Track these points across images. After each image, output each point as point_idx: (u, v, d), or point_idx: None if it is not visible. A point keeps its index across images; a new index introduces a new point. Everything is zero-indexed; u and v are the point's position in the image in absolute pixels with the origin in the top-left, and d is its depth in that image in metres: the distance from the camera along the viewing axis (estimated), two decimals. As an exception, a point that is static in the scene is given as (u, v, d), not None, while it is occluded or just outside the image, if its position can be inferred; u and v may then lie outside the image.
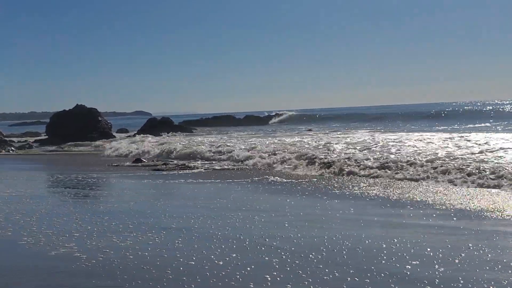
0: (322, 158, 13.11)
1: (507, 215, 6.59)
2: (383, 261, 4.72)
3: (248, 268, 4.61)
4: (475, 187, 9.03)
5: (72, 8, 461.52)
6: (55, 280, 4.46)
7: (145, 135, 27.13)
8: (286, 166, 13.22)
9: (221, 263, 4.80)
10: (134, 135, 32.55)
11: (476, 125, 30.67)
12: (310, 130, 32.45)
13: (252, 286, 4.20)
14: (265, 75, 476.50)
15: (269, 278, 4.34)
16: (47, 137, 31.23)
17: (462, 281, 4.14)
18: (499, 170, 9.57)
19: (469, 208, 7.17)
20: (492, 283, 4.08)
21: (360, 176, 11.10)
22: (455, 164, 10.62)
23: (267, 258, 4.91)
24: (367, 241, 5.42)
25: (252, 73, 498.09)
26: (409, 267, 4.54)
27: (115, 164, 16.04)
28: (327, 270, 4.51)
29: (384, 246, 5.20)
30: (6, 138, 28.42)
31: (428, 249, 5.02)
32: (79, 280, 4.45)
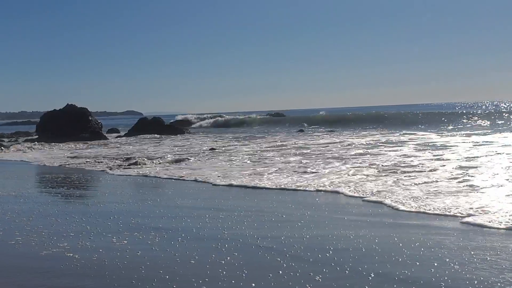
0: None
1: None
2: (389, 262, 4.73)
3: (247, 268, 4.62)
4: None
5: (63, 8, 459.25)
6: (45, 280, 4.48)
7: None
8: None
9: (223, 262, 4.82)
10: (125, 135, 32.50)
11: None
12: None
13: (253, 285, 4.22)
14: (264, 74, 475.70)
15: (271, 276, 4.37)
16: (37, 136, 31.09)
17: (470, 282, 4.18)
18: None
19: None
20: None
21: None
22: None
23: (268, 258, 4.92)
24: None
25: (249, 73, 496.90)
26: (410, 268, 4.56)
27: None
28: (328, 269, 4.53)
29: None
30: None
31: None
32: (68, 280, 4.47)
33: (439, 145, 16.45)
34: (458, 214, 6.43)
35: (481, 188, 8.11)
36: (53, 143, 26.33)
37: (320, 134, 27.16)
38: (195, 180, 10.79)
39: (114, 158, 16.61)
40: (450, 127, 29.89)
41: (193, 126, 45.78)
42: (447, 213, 6.56)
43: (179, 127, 35.79)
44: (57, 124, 29.41)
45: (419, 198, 7.54)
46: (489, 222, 5.98)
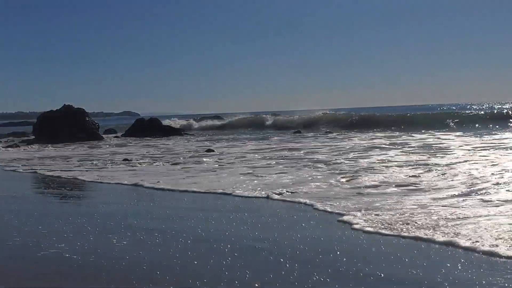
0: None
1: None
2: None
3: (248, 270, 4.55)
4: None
5: (59, 7, 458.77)
6: (39, 282, 4.42)
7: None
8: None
9: (224, 262, 4.75)
10: (121, 136, 32.34)
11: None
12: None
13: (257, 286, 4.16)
14: (263, 74, 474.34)
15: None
16: (34, 137, 30.94)
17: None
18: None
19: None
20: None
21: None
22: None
23: (271, 258, 4.87)
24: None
25: (249, 73, 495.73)
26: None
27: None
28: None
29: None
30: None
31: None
32: (64, 281, 4.41)
33: (438, 147, 16.27)
34: (338, 212, 6.66)
35: (407, 192, 8.04)
36: (49, 144, 26.23)
37: (319, 136, 26.59)
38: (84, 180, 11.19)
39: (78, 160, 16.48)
40: (465, 128, 28.62)
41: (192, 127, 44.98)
42: (329, 210, 6.86)
43: (177, 128, 35.48)
44: (53, 124, 29.28)
45: (335, 198, 7.66)
46: (361, 221, 6.06)
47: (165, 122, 39.77)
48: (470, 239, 5.14)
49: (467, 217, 6.06)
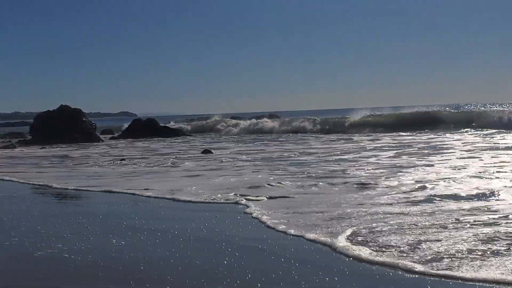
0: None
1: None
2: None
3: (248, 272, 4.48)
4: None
5: (56, 7, 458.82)
6: (36, 282, 4.38)
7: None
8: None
9: (225, 262, 4.69)
10: (118, 137, 32.16)
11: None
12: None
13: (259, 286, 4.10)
14: (261, 74, 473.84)
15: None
16: (31, 137, 30.84)
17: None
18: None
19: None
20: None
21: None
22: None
23: (273, 257, 4.83)
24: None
25: (247, 73, 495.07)
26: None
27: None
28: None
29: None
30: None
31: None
32: (60, 282, 4.37)
33: (437, 148, 15.88)
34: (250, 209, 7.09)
35: (345, 191, 8.19)
36: (45, 145, 26.13)
37: (318, 138, 25.73)
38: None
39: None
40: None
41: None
42: (244, 203, 7.55)
43: (175, 129, 35.18)
44: (50, 125, 29.18)
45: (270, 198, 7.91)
46: (260, 214, 6.65)
47: (174, 123, 40.01)
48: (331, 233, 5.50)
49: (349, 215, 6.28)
